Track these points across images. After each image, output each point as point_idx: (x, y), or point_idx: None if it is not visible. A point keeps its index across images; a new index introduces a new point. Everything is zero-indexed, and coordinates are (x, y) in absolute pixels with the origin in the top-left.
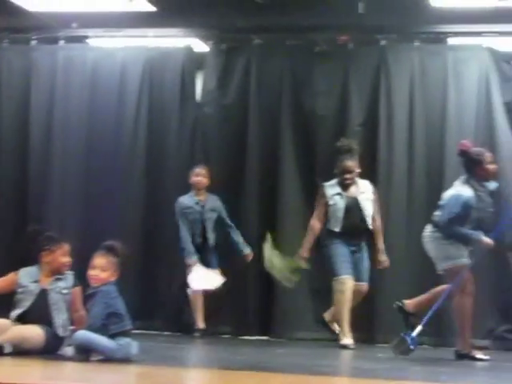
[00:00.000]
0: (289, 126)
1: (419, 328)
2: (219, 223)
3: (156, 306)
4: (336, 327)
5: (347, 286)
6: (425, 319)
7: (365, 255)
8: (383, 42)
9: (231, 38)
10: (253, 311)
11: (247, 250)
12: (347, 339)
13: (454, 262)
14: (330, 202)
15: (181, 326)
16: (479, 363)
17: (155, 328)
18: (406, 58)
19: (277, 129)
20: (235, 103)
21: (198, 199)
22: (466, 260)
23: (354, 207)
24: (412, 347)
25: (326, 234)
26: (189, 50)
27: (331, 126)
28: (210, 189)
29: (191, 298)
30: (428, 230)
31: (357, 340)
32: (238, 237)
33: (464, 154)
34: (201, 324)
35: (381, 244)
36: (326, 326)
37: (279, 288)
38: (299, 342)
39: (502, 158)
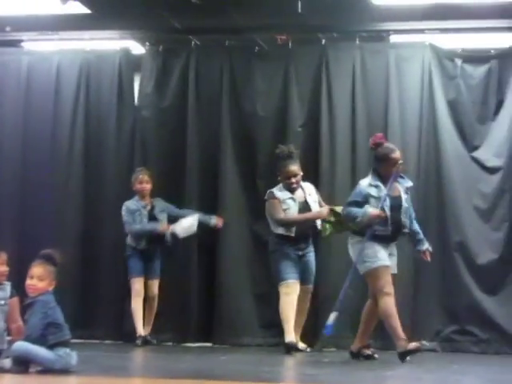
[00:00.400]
0: (229, 127)
1: (333, 315)
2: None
3: (96, 315)
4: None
5: (292, 288)
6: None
7: (311, 258)
8: (324, 41)
9: (168, 39)
10: (195, 317)
11: (213, 219)
12: (290, 337)
13: (371, 264)
14: (284, 207)
15: (122, 334)
16: (426, 365)
17: (96, 337)
18: (347, 57)
19: (217, 131)
20: (173, 106)
21: (145, 203)
22: (383, 262)
23: (304, 211)
24: (326, 333)
25: (275, 239)
26: (125, 52)
27: (272, 127)
28: (151, 193)
29: (131, 305)
30: (350, 234)
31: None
32: (198, 214)
33: (375, 147)
34: (141, 331)
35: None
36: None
37: (222, 292)
38: (243, 348)
39: (446, 156)
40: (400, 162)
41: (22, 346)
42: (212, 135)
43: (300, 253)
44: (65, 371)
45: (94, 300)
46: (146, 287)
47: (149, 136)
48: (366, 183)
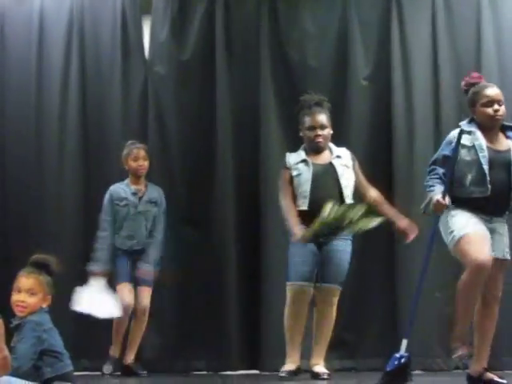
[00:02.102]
0: (271, 83)
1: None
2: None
3: (105, 340)
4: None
5: (299, 292)
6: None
7: (340, 247)
8: None
9: None
10: (235, 336)
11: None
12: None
13: (459, 232)
14: (294, 173)
15: (139, 362)
16: None
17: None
18: None
19: (255, 89)
20: (196, 58)
21: (136, 189)
22: (474, 227)
23: (325, 176)
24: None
25: None
26: None
27: (328, 81)
28: (168, 174)
29: (115, 320)
30: None
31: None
32: (153, 252)
33: (467, 88)
34: (115, 352)
35: (390, 210)
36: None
37: (269, 303)
38: (300, 374)
39: None
40: (500, 102)
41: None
42: (249, 95)
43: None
44: None
45: (102, 321)
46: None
47: (165, 100)
48: (456, 130)
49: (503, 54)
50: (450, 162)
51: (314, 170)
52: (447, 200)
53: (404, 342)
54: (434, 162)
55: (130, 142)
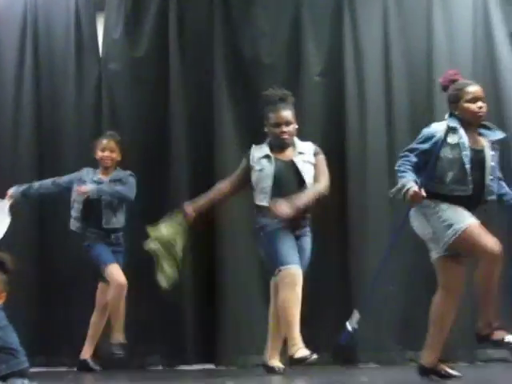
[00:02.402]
0: (224, 80)
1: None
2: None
3: (61, 335)
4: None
5: (298, 277)
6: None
7: (308, 239)
8: None
9: None
10: (190, 331)
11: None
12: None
13: (460, 224)
14: (256, 168)
15: (97, 358)
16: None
17: (62, 363)
18: None
19: (208, 85)
20: (150, 55)
21: (100, 178)
22: (472, 219)
23: (287, 172)
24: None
25: (256, 213)
26: None
27: (281, 78)
28: (121, 166)
29: (111, 304)
30: None
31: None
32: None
33: (447, 85)
34: (118, 337)
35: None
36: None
37: (225, 296)
38: (256, 369)
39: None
40: (483, 99)
41: None
42: (202, 92)
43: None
44: None
45: (58, 316)
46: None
47: (119, 95)
48: (439, 124)
49: (454, 52)
50: (431, 157)
51: (277, 166)
52: (423, 192)
53: (356, 314)
54: (410, 151)
55: (107, 132)
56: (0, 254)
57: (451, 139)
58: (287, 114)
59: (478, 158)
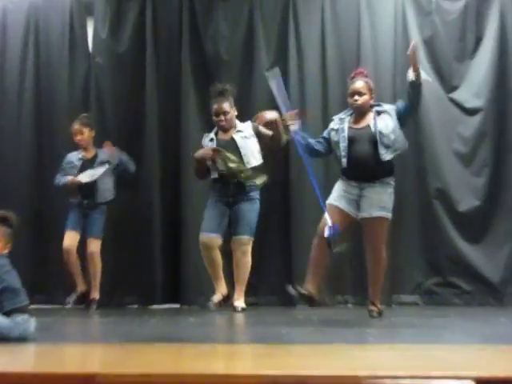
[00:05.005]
0: (190, 73)
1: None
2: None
3: (55, 278)
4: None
5: (209, 244)
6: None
7: (246, 206)
8: None
9: None
10: (160, 276)
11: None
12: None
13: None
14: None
15: (84, 297)
16: (404, 321)
17: (56, 302)
18: None
19: (177, 77)
20: (130, 51)
21: (83, 155)
22: (330, 200)
23: (227, 148)
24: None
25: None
26: None
27: (236, 72)
28: (107, 138)
29: (64, 260)
30: None
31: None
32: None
33: None
34: (81, 287)
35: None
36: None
37: (189, 248)
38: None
39: (422, 99)
40: (361, 93)
41: None
42: (172, 81)
43: (230, 199)
44: (22, 339)
45: (52, 262)
46: (84, 245)
47: (104, 84)
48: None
49: (378, 52)
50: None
51: (218, 144)
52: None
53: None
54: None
55: (79, 116)
56: (5, 212)
57: (335, 126)
58: (224, 105)
59: (363, 135)
